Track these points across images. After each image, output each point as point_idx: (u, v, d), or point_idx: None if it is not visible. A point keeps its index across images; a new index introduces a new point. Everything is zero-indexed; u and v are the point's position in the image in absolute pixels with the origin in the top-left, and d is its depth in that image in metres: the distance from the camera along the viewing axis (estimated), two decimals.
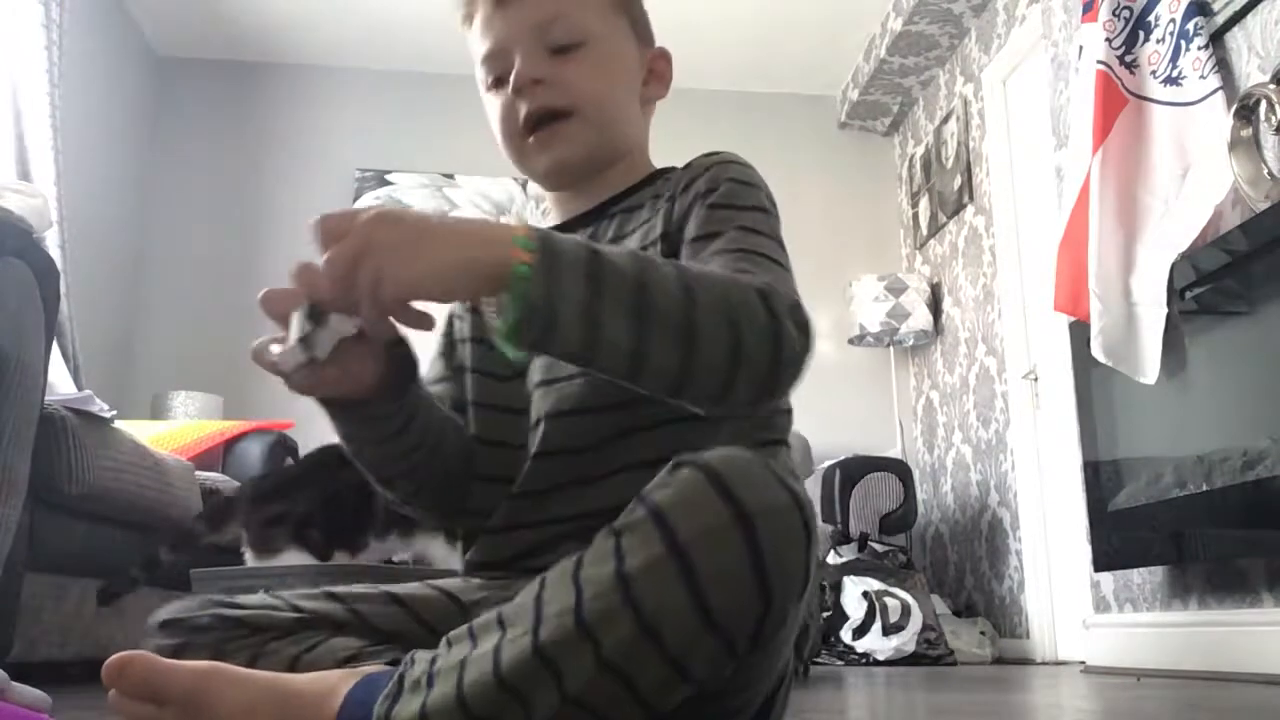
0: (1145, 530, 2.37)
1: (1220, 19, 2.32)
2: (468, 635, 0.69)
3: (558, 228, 1.00)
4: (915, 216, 4.77)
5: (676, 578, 0.62)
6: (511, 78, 0.93)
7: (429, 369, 1.04)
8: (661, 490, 0.65)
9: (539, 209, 4.61)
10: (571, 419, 0.88)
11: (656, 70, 1.03)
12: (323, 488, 1.96)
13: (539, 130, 0.94)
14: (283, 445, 3.30)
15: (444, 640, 0.70)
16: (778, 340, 0.74)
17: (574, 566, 0.65)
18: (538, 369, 0.92)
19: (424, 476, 0.93)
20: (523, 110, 0.94)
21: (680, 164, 0.99)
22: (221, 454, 3.23)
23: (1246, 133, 2.15)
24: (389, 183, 4.63)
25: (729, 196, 0.89)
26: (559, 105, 0.94)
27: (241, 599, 0.85)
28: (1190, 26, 2.32)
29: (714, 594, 0.62)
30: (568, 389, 0.88)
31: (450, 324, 1.06)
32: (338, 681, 0.70)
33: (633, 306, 0.71)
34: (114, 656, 0.68)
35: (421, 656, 0.69)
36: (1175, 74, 2.37)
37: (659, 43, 1.04)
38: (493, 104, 0.98)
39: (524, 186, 4.63)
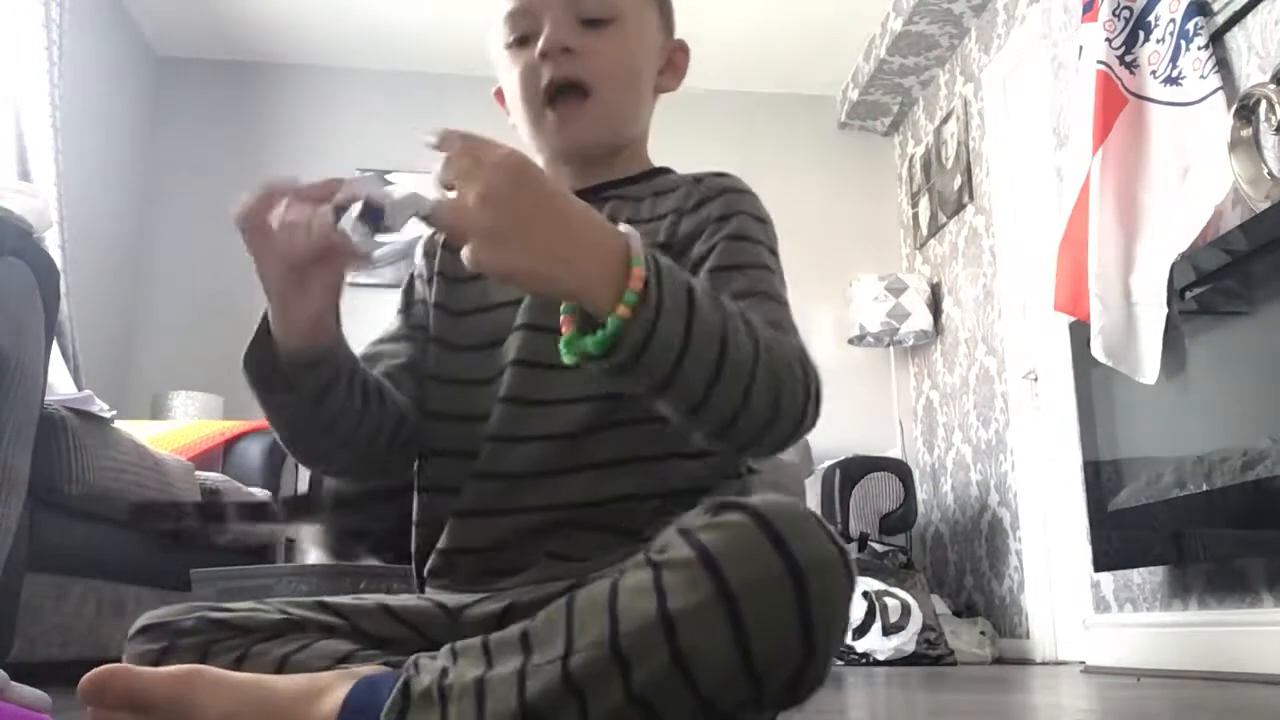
0: (1145, 530, 2.37)
1: (1220, 19, 2.32)
2: (481, 651, 0.67)
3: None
4: (915, 216, 4.77)
5: (723, 624, 0.61)
6: (541, 42, 0.92)
7: (387, 325, 1.02)
8: (710, 532, 0.64)
9: None
10: (556, 407, 0.87)
11: (674, 61, 1.03)
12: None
13: (559, 103, 0.93)
14: None
15: (449, 649, 0.68)
16: (804, 409, 0.77)
17: (609, 595, 0.64)
18: (514, 347, 0.90)
19: (358, 443, 0.89)
20: (546, 76, 0.93)
21: (677, 165, 0.99)
22: (221, 454, 3.23)
23: (1246, 133, 2.15)
24: (389, 182, 4.61)
25: (747, 231, 0.90)
26: (582, 78, 0.93)
27: (227, 604, 0.83)
28: (1190, 26, 2.32)
29: (758, 644, 0.61)
30: (555, 378, 0.86)
31: (411, 282, 1.03)
32: (331, 683, 0.67)
33: (713, 360, 0.71)
34: (90, 674, 0.66)
35: (427, 665, 0.67)
36: (1175, 74, 2.37)
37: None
38: (512, 62, 0.96)
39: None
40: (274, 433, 0.89)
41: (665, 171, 1.01)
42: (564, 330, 0.69)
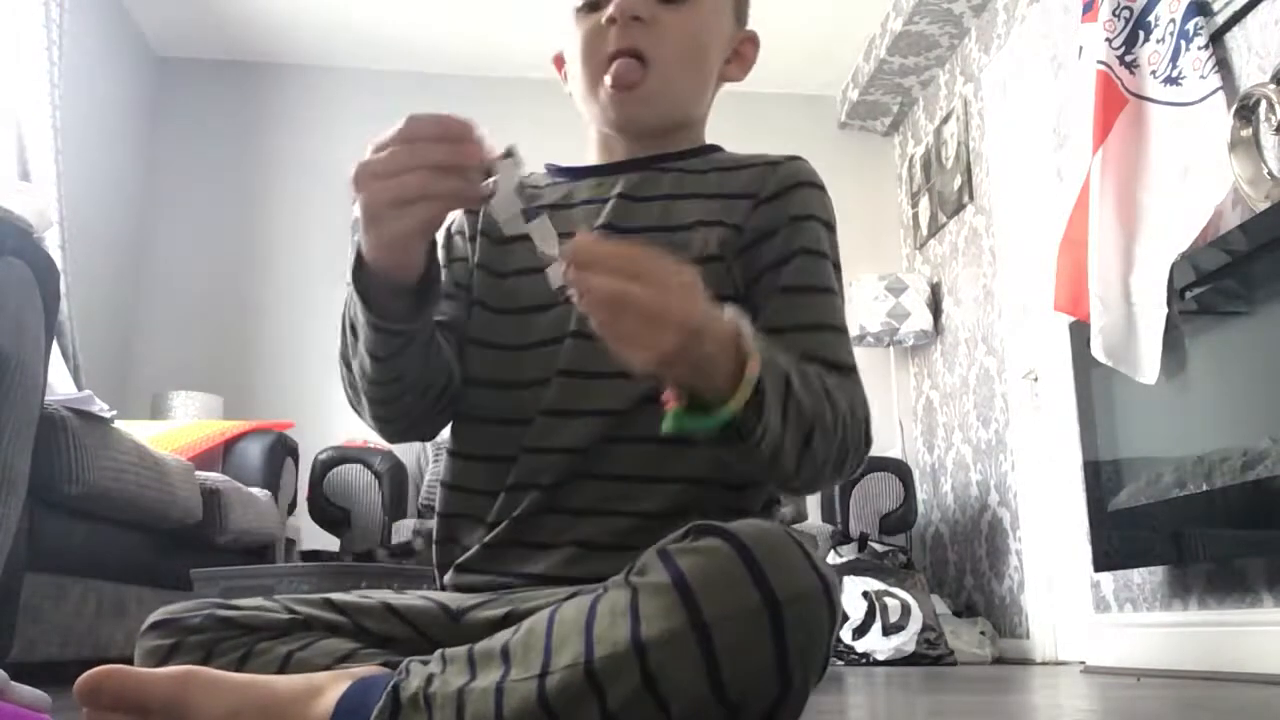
0: (1145, 530, 2.37)
1: (1220, 19, 2.32)
2: (466, 660, 0.67)
3: (598, 169, 0.98)
4: (915, 216, 4.77)
5: (695, 655, 0.61)
6: (613, 6, 0.91)
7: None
8: (688, 557, 0.63)
9: None
10: (614, 381, 0.84)
11: (742, 52, 1.02)
12: None
13: (615, 69, 0.91)
14: (283, 445, 3.30)
15: (439, 655, 0.69)
16: (857, 464, 0.84)
17: (587, 615, 0.64)
18: (575, 318, 0.88)
19: (414, 393, 0.88)
20: (611, 43, 0.91)
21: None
22: (221, 454, 3.23)
23: (1246, 133, 2.15)
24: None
25: (819, 243, 0.91)
26: (649, 50, 0.91)
27: (236, 601, 0.84)
28: (1190, 26, 2.32)
29: (731, 676, 0.61)
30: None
31: (450, 238, 1.01)
32: (326, 683, 0.68)
33: (800, 443, 0.76)
34: (85, 675, 0.66)
35: (417, 670, 0.67)
36: (1175, 74, 2.37)
37: None
38: (578, 25, 0.94)
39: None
40: (347, 367, 0.88)
41: (717, 149, 1.00)
42: (669, 404, 0.71)
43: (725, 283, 0.88)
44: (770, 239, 0.90)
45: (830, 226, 0.93)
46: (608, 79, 0.91)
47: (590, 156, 1.00)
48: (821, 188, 0.95)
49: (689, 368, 0.68)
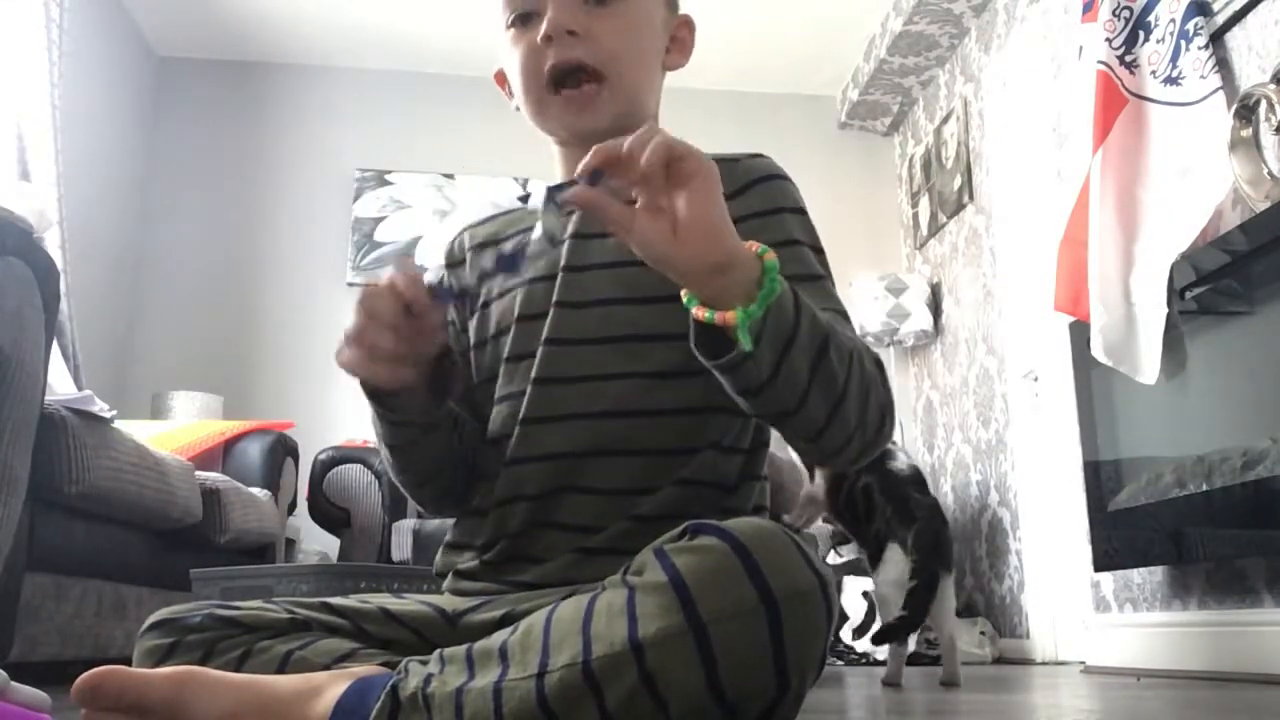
0: (1145, 530, 2.37)
1: (1220, 19, 2.32)
2: (465, 660, 0.67)
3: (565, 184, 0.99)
4: (915, 216, 4.77)
5: (692, 654, 0.60)
6: (544, 25, 0.89)
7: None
8: (684, 556, 0.63)
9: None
10: (591, 383, 0.88)
11: (680, 38, 1.00)
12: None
13: (568, 88, 0.91)
14: (283, 445, 3.30)
15: (438, 655, 0.69)
16: (883, 419, 0.80)
17: (584, 614, 0.64)
18: (547, 325, 0.91)
19: (450, 476, 0.95)
20: (549, 60, 0.90)
21: None
22: (221, 454, 3.23)
23: (1246, 133, 2.15)
24: (389, 183, 4.63)
25: (791, 232, 0.90)
26: (589, 62, 0.90)
27: (237, 603, 0.84)
28: (1190, 26, 2.32)
29: (729, 675, 0.61)
30: (587, 354, 0.88)
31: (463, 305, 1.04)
32: (326, 684, 0.67)
33: (817, 352, 0.74)
34: (84, 676, 0.65)
35: (415, 669, 0.67)
36: (1175, 74, 2.37)
37: None
38: (513, 43, 0.93)
39: (524, 187, 4.62)
40: (390, 464, 0.95)
41: None
42: (723, 319, 0.70)
43: None
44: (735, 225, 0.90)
45: (801, 212, 0.92)
46: (553, 96, 0.92)
47: (556, 171, 1.01)
48: (784, 177, 0.94)
49: (722, 261, 0.68)
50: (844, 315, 0.87)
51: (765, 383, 0.72)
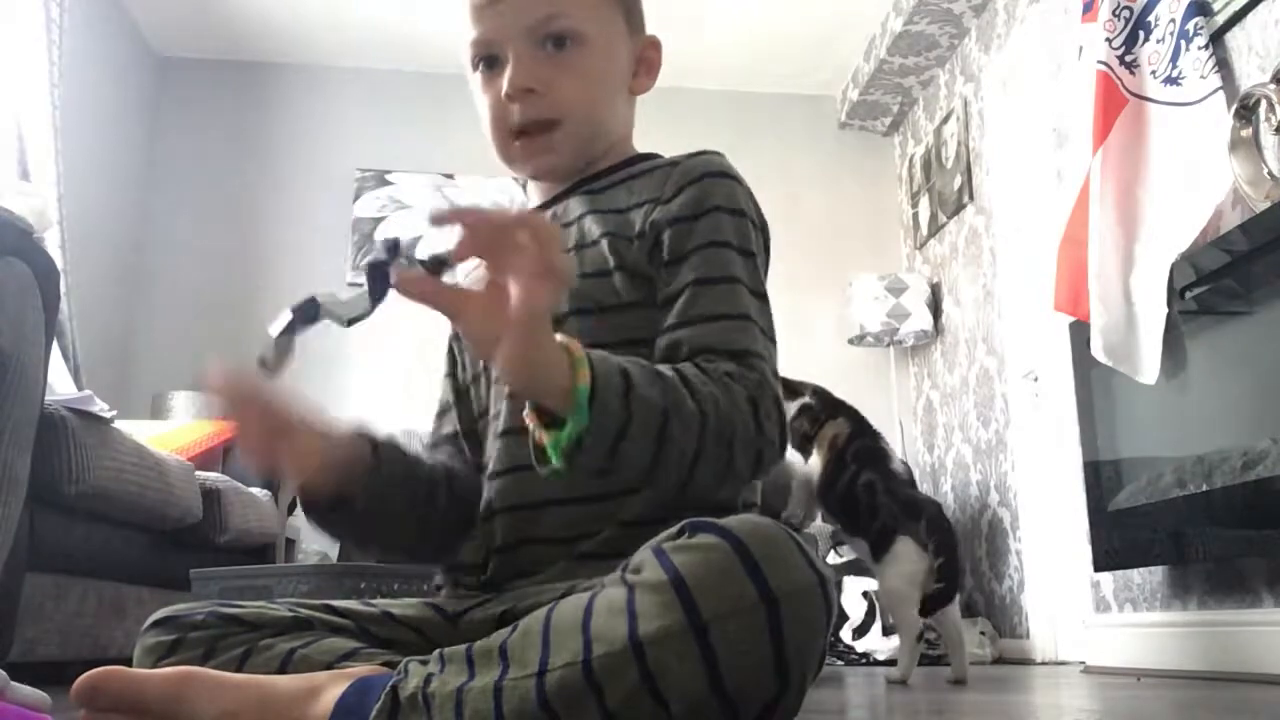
0: (1145, 530, 2.37)
1: (1220, 19, 2.32)
2: (465, 660, 0.67)
3: (538, 208, 1.01)
4: (915, 216, 4.77)
5: (693, 653, 0.60)
6: (504, 84, 0.91)
7: (441, 394, 1.05)
8: (683, 554, 0.63)
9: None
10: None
11: (646, 60, 1.00)
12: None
13: (525, 137, 0.93)
14: None
15: (437, 655, 0.69)
16: (760, 456, 0.80)
17: (584, 613, 0.64)
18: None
19: (427, 531, 0.94)
20: (514, 117, 0.93)
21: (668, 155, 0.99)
22: (221, 454, 3.23)
23: (1246, 133, 2.15)
24: (389, 183, 4.63)
25: (718, 233, 0.88)
26: (548, 116, 0.92)
27: (240, 602, 0.84)
28: (1190, 26, 2.32)
29: (730, 673, 0.61)
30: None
31: (449, 345, 1.06)
32: (325, 683, 0.67)
33: (656, 433, 0.74)
34: (83, 677, 0.65)
35: (415, 669, 0.67)
36: (1175, 74, 2.37)
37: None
38: (482, 87, 0.95)
39: (524, 187, 4.61)
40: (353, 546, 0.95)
41: (647, 158, 0.99)
42: (539, 438, 0.72)
43: (630, 292, 0.89)
44: (668, 237, 0.88)
45: (736, 212, 0.90)
46: (516, 143, 0.94)
47: (532, 195, 1.04)
48: (728, 176, 0.91)
49: (530, 366, 0.68)
50: (743, 317, 0.85)
51: (603, 470, 0.74)
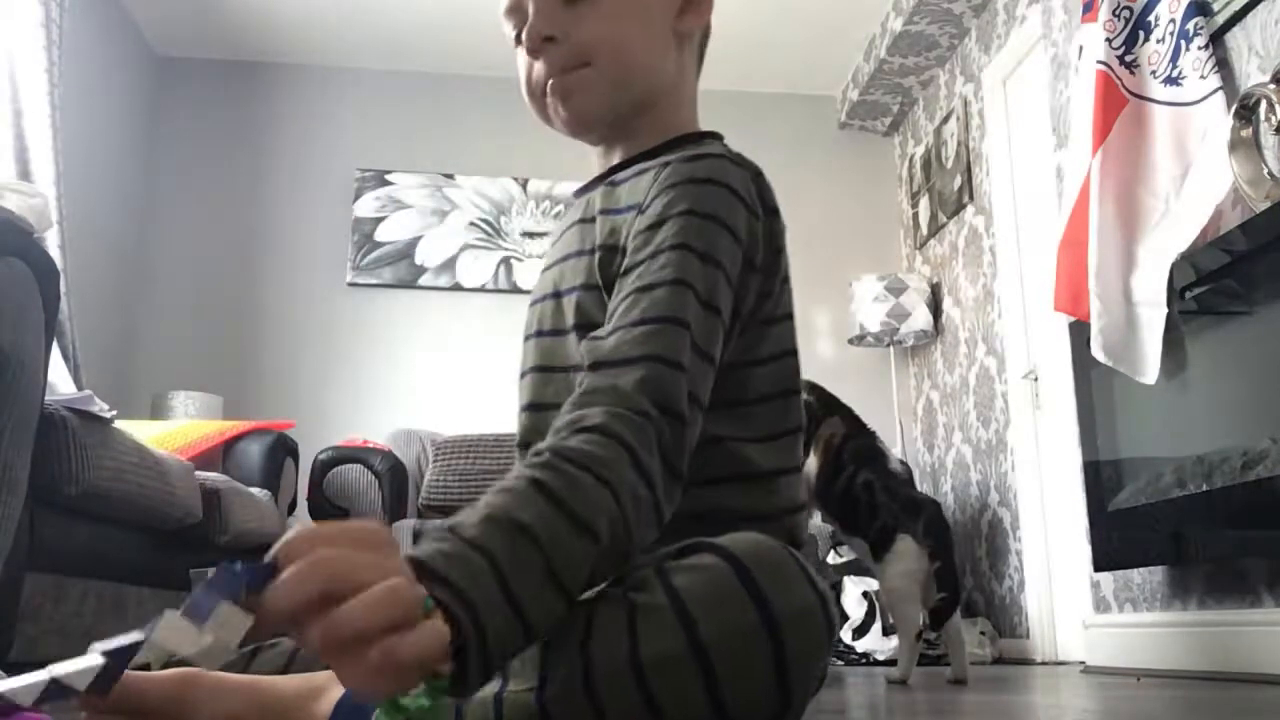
0: (1145, 530, 2.37)
1: (1220, 19, 2.32)
2: None
3: (586, 186, 0.97)
4: (915, 216, 4.77)
5: (694, 675, 0.60)
6: (524, 35, 0.89)
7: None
8: (683, 575, 0.63)
9: (538, 208, 4.61)
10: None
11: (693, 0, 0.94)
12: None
13: (559, 79, 0.90)
14: (283, 445, 3.29)
15: None
16: (657, 508, 0.68)
17: (583, 630, 0.63)
18: (531, 355, 0.94)
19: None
20: (539, 74, 0.90)
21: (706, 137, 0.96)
22: (221, 454, 3.23)
23: (1246, 133, 2.15)
24: (389, 182, 4.63)
25: (679, 238, 0.78)
26: (574, 64, 0.89)
27: None
28: (1190, 26, 2.32)
29: (732, 694, 0.60)
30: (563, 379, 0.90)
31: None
32: (326, 684, 0.67)
33: (553, 587, 0.59)
34: None
35: None
36: (1175, 74, 2.37)
37: None
38: (520, 60, 0.93)
39: (524, 187, 4.62)
40: None
41: (692, 140, 0.93)
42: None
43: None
44: (633, 244, 0.82)
45: (705, 215, 0.80)
46: (550, 99, 0.91)
47: (594, 170, 1.00)
48: (710, 181, 0.82)
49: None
50: (672, 284, 0.75)
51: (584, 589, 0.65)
